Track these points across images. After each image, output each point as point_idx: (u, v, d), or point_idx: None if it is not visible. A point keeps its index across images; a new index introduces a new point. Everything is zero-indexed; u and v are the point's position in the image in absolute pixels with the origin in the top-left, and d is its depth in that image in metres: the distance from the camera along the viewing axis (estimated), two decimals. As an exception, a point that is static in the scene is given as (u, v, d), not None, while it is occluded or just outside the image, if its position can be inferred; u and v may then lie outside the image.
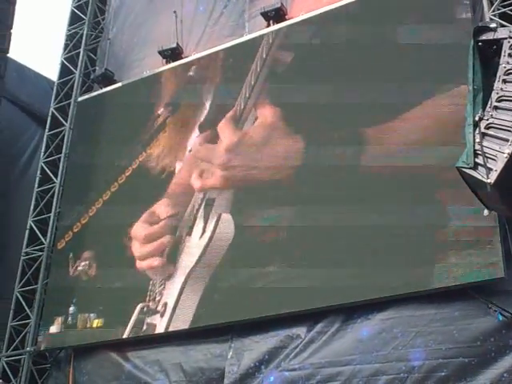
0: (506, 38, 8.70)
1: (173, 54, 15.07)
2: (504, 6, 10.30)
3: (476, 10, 11.10)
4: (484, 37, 8.96)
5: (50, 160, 15.89)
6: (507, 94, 8.49)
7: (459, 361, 9.55)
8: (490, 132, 8.48)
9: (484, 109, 8.63)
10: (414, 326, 10.08)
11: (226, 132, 13.08)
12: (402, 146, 11.05)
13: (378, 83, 11.64)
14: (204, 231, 12.56)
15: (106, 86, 15.92)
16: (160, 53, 15.12)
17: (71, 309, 13.55)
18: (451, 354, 9.63)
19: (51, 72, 18.12)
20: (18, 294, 14.60)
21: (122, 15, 17.18)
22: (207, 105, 13.77)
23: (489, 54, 8.97)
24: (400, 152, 11.03)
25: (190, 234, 12.79)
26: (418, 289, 10.16)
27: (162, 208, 13.38)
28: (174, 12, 15.23)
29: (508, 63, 8.59)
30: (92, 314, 13.24)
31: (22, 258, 14.96)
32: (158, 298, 12.65)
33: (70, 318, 13.51)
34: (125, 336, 12.77)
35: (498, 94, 8.57)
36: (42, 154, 16.10)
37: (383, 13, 12.25)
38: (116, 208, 13.94)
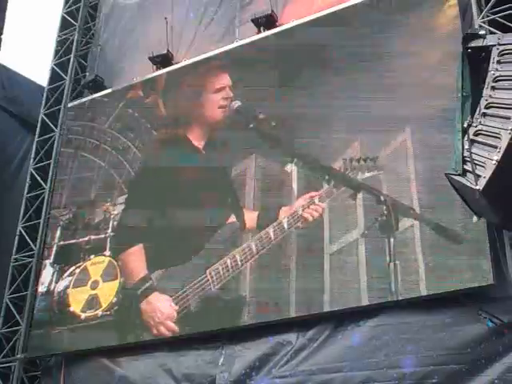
0: (494, 45, 8.70)
1: (163, 60, 15.06)
2: (493, 13, 10.32)
3: (465, 17, 11.14)
4: (473, 44, 8.98)
5: (39, 166, 15.85)
6: (496, 100, 8.50)
7: (450, 368, 9.55)
8: (479, 139, 8.49)
9: (473, 115, 8.65)
10: (405, 332, 10.07)
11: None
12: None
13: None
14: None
15: (96, 91, 15.89)
16: (150, 59, 15.12)
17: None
18: (442, 361, 9.63)
19: (42, 78, 18.07)
20: (8, 301, 14.55)
21: (112, 21, 17.17)
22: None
23: (478, 61, 8.98)
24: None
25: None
26: (409, 295, 10.17)
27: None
28: (165, 18, 15.19)
29: (497, 70, 8.59)
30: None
31: (12, 264, 14.91)
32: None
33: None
34: (116, 342, 12.78)
35: (486, 100, 8.58)
36: (32, 160, 16.06)
37: (374, 20, 12.28)
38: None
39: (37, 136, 16.31)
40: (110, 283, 13.35)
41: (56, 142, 15.90)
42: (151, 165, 14.19)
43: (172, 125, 14.29)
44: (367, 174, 11.26)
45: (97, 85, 15.97)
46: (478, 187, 8.23)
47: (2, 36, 16.68)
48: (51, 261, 14.47)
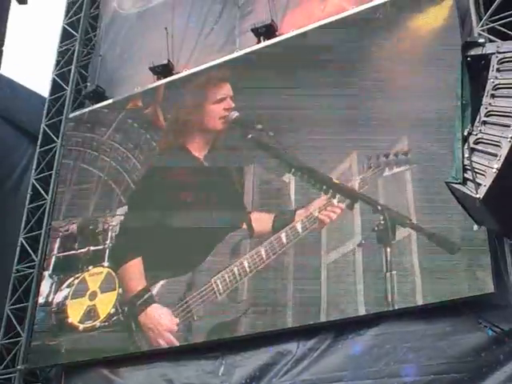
0: (494, 53, 8.68)
1: (164, 70, 15.08)
2: (492, 21, 10.31)
3: (465, 25, 11.15)
4: (472, 52, 8.96)
5: (41, 177, 15.85)
6: (496, 108, 8.47)
7: (451, 376, 9.52)
8: (479, 147, 8.46)
9: (473, 124, 8.64)
10: (406, 341, 10.05)
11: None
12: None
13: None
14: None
15: (97, 102, 15.92)
16: (151, 69, 15.14)
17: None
18: (443, 370, 9.60)
19: (43, 88, 18.10)
20: (9, 312, 14.52)
21: (113, 32, 17.21)
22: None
23: (477, 69, 8.97)
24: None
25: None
26: (409, 304, 10.16)
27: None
28: (165, 28, 15.22)
29: (496, 78, 8.57)
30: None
31: (13, 275, 14.89)
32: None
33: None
34: (115, 353, 12.77)
35: (486, 108, 8.55)
36: (34, 170, 16.06)
37: (373, 27, 12.32)
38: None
39: (38, 147, 16.32)
40: (108, 294, 13.32)
41: (57, 152, 15.90)
42: (151, 176, 14.14)
43: (172, 136, 14.30)
44: (396, 170, 11.19)
45: (98, 95, 16.00)
46: (478, 195, 8.20)
47: (3, 48, 16.65)
48: (50, 272, 14.46)
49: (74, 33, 17.46)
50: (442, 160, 10.32)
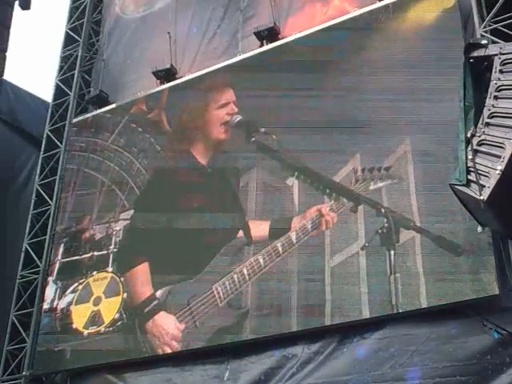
0: (496, 55, 8.67)
1: (167, 74, 15.09)
2: (495, 23, 10.28)
3: (467, 27, 11.13)
4: (475, 53, 8.94)
5: (45, 182, 15.85)
6: (499, 110, 8.46)
7: (456, 379, 9.45)
8: (483, 149, 8.45)
9: (476, 125, 8.63)
10: (411, 344, 10.00)
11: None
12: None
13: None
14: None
15: (100, 107, 15.92)
16: (154, 73, 15.15)
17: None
18: (448, 373, 9.54)
19: (46, 94, 18.13)
20: (14, 318, 14.51)
21: (116, 36, 17.19)
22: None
23: (480, 71, 8.95)
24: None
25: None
26: (414, 307, 10.13)
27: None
28: (168, 33, 15.26)
29: (499, 79, 8.56)
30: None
31: (18, 281, 14.86)
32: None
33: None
34: (120, 358, 12.77)
35: (489, 110, 8.54)
36: (37, 176, 16.05)
37: (376, 31, 12.34)
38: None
39: (42, 152, 16.30)
40: (112, 299, 13.30)
41: (61, 157, 15.90)
42: (156, 181, 14.13)
43: (176, 140, 14.28)
44: (380, 184, 11.19)
45: (101, 100, 15.99)
46: (482, 197, 8.19)
47: (7, 53, 16.71)
48: (54, 278, 14.44)
49: (76, 38, 17.47)
50: (445, 162, 10.34)
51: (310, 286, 11.20)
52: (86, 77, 17.06)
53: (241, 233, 12.37)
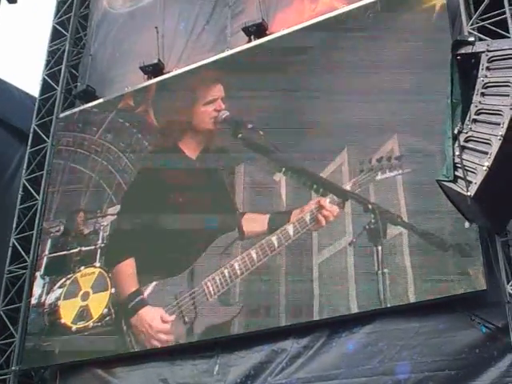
0: (483, 52, 8.75)
1: (154, 69, 15.07)
2: (482, 20, 10.32)
3: (455, 24, 11.18)
4: (462, 50, 9.02)
5: (32, 177, 15.80)
6: (486, 106, 8.56)
7: (445, 373, 9.58)
8: (470, 145, 8.55)
9: (463, 122, 8.70)
10: (400, 339, 10.11)
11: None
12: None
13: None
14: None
15: (87, 101, 15.87)
16: (141, 68, 15.13)
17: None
18: (437, 367, 9.67)
19: (33, 88, 18.06)
20: (2, 313, 14.49)
21: (103, 31, 17.14)
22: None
23: (467, 68, 9.02)
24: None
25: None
26: (401, 302, 10.21)
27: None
28: (156, 28, 15.23)
29: (486, 76, 8.65)
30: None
31: (6, 276, 14.83)
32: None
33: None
34: (108, 353, 12.80)
35: (476, 107, 8.64)
36: (24, 170, 16.00)
37: (363, 27, 12.35)
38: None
39: (29, 147, 16.25)
40: (100, 294, 13.34)
41: (48, 152, 15.86)
42: (145, 174, 14.13)
43: (163, 135, 14.29)
44: (389, 174, 11.22)
45: (88, 95, 15.95)
46: (469, 193, 8.29)
47: (-7, 48, 16.68)
48: (41, 273, 14.43)
49: (64, 32, 17.38)
50: (433, 158, 10.43)
51: (298, 281, 11.28)
52: (73, 71, 16.99)
53: (232, 228, 12.40)
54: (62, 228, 14.72)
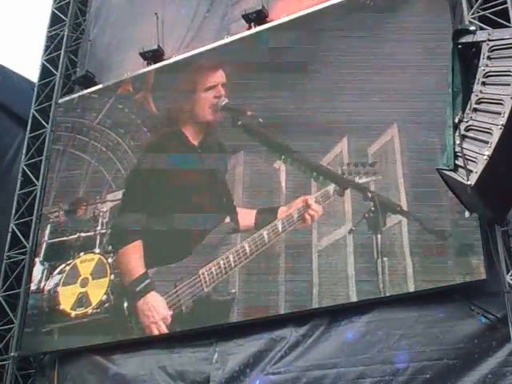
0: (484, 41, 8.74)
1: (154, 55, 15.01)
2: (483, 9, 10.27)
3: (456, 13, 11.14)
4: (463, 39, 9.01)
5: (31, 162, 15.79)
6: (486, 96, 8.56)
7: (443, 363, 9.59)
8: (470, 134, 8.55)
9: (464, 111, 8.69)
10: (398, 328, 10.11)
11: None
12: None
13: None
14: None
15: (86, 87, 15.82)
16: (141, 54, 15.06)
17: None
18: (435, 356, 9.68)
19: (32, 73, 18.02)
20: (1, 299, 14.51)
21: (102, 17, 17.10)
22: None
23: (468, 57, 9.01)
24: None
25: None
26: (401, 291, 10.23)
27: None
28: (156, 14, 15.17)
29: (487, 66, 8.64)
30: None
31: (5, 261, 14.86)
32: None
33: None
34: (107, 340, 12.83)
35: (477, 96, 8.63)
36: (23, 156, 15.98)
37: (361, 20, 12.31)
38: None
39: (28, 132, 16.23)
40: (99, 281, 13.34)
41: (47, 138, 15.83)
42: (146, 162, 14.08)
43: (164, 122, 14.25)
44: (364, 179, 11.25)
45: (87, 80, 15.90)
46: (469, 182, 8.29)
47: (-8, 32, 16.64)
48: (41, 259, 14.44)
49: (63, 17, 17.31)
50: (432, 147, 10.41)
51: (298, 269, 11.28)
52: (72, 57, 16.95)
53: (228, 219, 12.41)
54: (61, 214, 14.70)
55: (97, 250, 13.72)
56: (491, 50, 8.66)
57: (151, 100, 14.49)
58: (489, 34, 8.80)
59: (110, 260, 13.42)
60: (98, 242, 13.80)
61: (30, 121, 16.36)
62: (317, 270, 11.06)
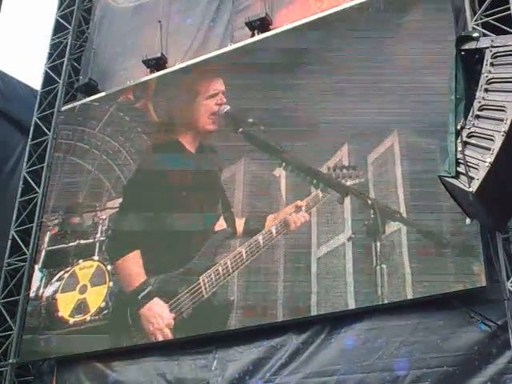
0: (487, 48, 8.75)
1: (157, 63, 15.03)
2: (486, 16, 10.29)
3: (459, 20, 11.16)
4: (467, 46, 9.03)
5: (32, 170, 15.78)
6: (489, 102, 8.55)
7: (443, 370, 9.57)
8: (472, 141, 8.54)
9: (466, 118, 8.68)
10: (398, 335, 10.10)
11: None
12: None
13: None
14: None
15: (89, 95, 15.82)
16: (144, 62, 15.08)
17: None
18: (435, 364, 9.65)
19: (35, 81, 18.05)
20: (0, 305, 14.47)
21: (106, 25, 17.11)
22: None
23: (471, 63, 9.01)
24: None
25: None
26: (399, 298, 10.21)
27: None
28: (159, 21, 15.22)
29: (490, 72, 8.64)
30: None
31: (5, 268, 14.83)
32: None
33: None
34: (106, 347, 12.78)
35: (479, 102, 8.63)
36: (25, 163, 15.98)
37: (364, 24, 12.34)
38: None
39: (30, 139, 16.22)
40: (98, 288, 13.33)
41: (49, 145, 15.83)
42: (144, 170, 14.09)
43: (163, 130, 14.25)
44: (351, 182, 11.29)
45: (90, 88, 15.91)
46: (470, 189, 8.27)
47: (-5, 40, 16.70)
48: (40, 266, 14.42)
49: (66, 25, 17.35)
50: (433, 154, 10.44)
51: (296, 276, 11.27)
52: (76, 65, 16.97)
53: (225, 224, 12.41)
54: (60, 221, 14.69)
55: (96, 257, 13.70)
56: (494, 57, 8.66)
57: (152, 108, 14.50)
58: (492, 41, 8.80)
59: (109, 267, 13.40)
60: (97, 249, 13.79)
61: (31, 128, 16.36)
62: (315, 277, 11.03)
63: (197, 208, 12.91)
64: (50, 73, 16.84)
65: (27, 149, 16.21)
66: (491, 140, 8.28)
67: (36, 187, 15.49)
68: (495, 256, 9.45)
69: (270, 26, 13.66)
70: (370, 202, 11.04)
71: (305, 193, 11.80)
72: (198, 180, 13.22)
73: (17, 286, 14.59)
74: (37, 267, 14.42)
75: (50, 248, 14.53)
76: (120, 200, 14.06)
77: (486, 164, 8.19)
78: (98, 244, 13.84)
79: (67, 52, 16.93)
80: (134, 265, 13.04)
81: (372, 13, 12.29)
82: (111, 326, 12.90)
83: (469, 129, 8.62)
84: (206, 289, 11.95)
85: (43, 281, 14.19)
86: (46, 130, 16.04)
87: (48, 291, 13.98)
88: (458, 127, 8.69)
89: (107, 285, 13.22)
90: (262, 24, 13.65)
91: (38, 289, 14.16)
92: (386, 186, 11.06)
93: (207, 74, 14.00)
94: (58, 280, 13.99)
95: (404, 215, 10.66)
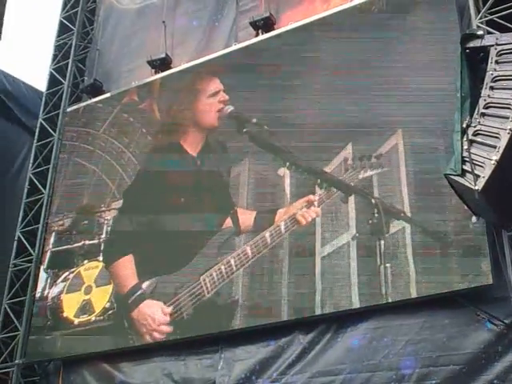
0: (492, 45, 8.74)
1: (162, 64, 15.04)
2: (491, 14, 10.30)
3: (463, 18, 11.16)
4: (471, 44, 9.01)
5: (38, 171, 15.80)
6: (494, 100, 8.54)
7: (450, 368, 9.54)
8: (478, 139, 8.52)
9: (471, 116, 8.67)
10: (404, 334, 10.07)
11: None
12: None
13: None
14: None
15: (94, 96, 15.85)
16: (149, 62, 15.11)
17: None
18: (442, 362, 9.63)
19: (40, 82, 18.08)
20: (7, 306, 14.50)
21: (110, 26, 17.16)
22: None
23: (476, 61, 9.01)
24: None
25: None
26: (403, 297, 10.20)
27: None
28: (163, 22, 15.27)
29: (495, 70, 8.63)
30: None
31: (11, 269, 14.84)
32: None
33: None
34: (110, 347, 12.80)
35: (485, 100, 8.61)
36: (31, 164, 16.02)
37: (367, 24, 12.35)
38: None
39: (35, 140, 16.27)
40: (103, 288, 13.35)
41: (55, 146, 15.86)
42: (146, 171, 14.11)
43: (167, 130, 14.25)
44: (369, 173, 11.24)
45: (95, 89, 15.96)
46: (476, 187, 8.25)
47: (0, 42, 16.68)
48: (45, 266, 14.45)
49: (71, 26, 17.38)
50: (437, 152, 10.45)
51: (301, 275, 11.26)
52: (80, 66, 17.01)
53: (229, 223, 12.39)
54: (65, 222, 14.71)
55: (101, 258, 13.74)
56: (499, 55, 8.66)
57: (156, 109, 14.52)
58: (497, 39, 8.79)
59: (111, 271, 13.44)
60: (102, 249, 13.83)
61: (37, 129, 16.41)
62: (320, 277, 11.02)
63: (199, 208, 12.91)
64: (55, 74, 16.88)
65: (33, 150, 16.28)
66: (497, 138, 8.26)
67: (42, 188, 15.52)
68: (501, 254, 9.47)
69: (275, 26, 13.66)
70: (374, 201, 11.03)
71: (309, 192, 11.78)
72: (200, 180, 13.23)
73: (23, 286, 14.59)
74: (42, 268, 14.45)
75: (55, 249, 14.55)
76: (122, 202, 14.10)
77: (492, 162, 8.16)
78: (103, 244, 13.88)
79: (72, 53, 16.97)
80: (126, 269, 13.10)
81: (375, 13, 12.31)
82: (114, 326, 12.91)
83: (474, 127, 8.60)
84: (207, 288, 11.95)
85: (48, 281, 14.23)
86: (51, 131, 16.08)
87: (53, 292, 14.02)
88: (464, 125, 8.68)
89: (112, 285, 13.25)
90: (266, 24, 13.67)
91: (44, 289, 14.20)
92: (389, 184, 11.06)
93: (207, 74, 14.04)
94: (63, 281, 14.02)
95: (408, 214, 10.65)
